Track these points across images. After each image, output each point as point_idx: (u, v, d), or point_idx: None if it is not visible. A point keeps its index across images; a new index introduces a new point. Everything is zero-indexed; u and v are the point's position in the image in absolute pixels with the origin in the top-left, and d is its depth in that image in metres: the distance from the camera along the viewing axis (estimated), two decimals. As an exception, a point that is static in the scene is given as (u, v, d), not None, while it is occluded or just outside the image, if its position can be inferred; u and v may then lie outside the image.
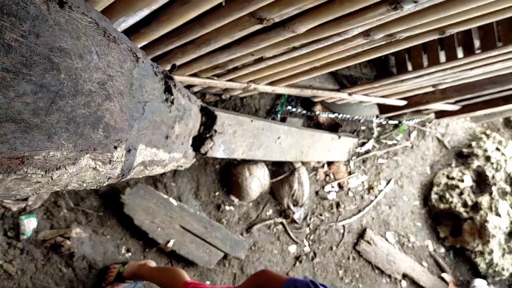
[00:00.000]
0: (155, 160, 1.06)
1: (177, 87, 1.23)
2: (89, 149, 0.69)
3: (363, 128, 3.41)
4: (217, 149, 1.85)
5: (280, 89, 2.24)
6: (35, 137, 0.60)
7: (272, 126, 2.30)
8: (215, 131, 1.78)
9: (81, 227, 2.31)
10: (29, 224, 2.18)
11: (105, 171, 0.75)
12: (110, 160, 0.75)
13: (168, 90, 1.11)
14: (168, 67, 1.47)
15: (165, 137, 1.11)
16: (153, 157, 1.04)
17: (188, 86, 1.99)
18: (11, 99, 0.55)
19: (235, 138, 1.96)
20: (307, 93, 2.49)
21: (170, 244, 2.49)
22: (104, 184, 0.80)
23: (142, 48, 1.18)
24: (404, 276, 3.44)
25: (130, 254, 2.44)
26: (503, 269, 3.55)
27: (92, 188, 0.80)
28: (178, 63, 1.48)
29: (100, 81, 0.73)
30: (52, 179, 0.62)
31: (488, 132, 4.05)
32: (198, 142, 1.73)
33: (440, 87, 2.56)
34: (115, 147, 0.76)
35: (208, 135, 1.75)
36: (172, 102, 1.11)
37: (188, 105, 1.36)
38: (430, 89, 2.61)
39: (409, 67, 2.52)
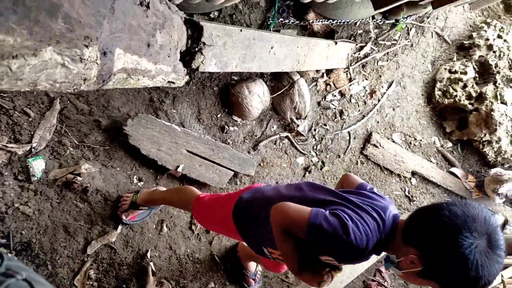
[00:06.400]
0: (139, 69, 1.03)
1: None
2: (50, 40, 0.66)
3: (359, 31, 3.30)
4: (209, 63, 1.80)
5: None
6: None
7: (263, 35, 2.22)
8: (204, 43, 1.72)
9: (89, 163, 2.34)
10: (38, 165, 2.21)
11: (77, 70, 0.73)
12: (81, 58, 0.73)
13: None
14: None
15: (147, 45, 1.07)
16: (136, 65, 1.01)
17: None
18: None
19: (226, 50, 1.90)
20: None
21: (180, 169, 2.52)
22: (82, 88, 0.78)
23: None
24: (413, 173, 3.50)
25: (142, 183, 2.49)
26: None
27: (69, 91, 0.78)
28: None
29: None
30: (11, 70, 0.60)
31: (488, 20, 3.91)
32: (188, 57, 1.68)
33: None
34: (86, 46, 0.73)
35: (197, 49, 1.69)
36: (147, 6, 1.06)
37: (168, 13, 1.30)
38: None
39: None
